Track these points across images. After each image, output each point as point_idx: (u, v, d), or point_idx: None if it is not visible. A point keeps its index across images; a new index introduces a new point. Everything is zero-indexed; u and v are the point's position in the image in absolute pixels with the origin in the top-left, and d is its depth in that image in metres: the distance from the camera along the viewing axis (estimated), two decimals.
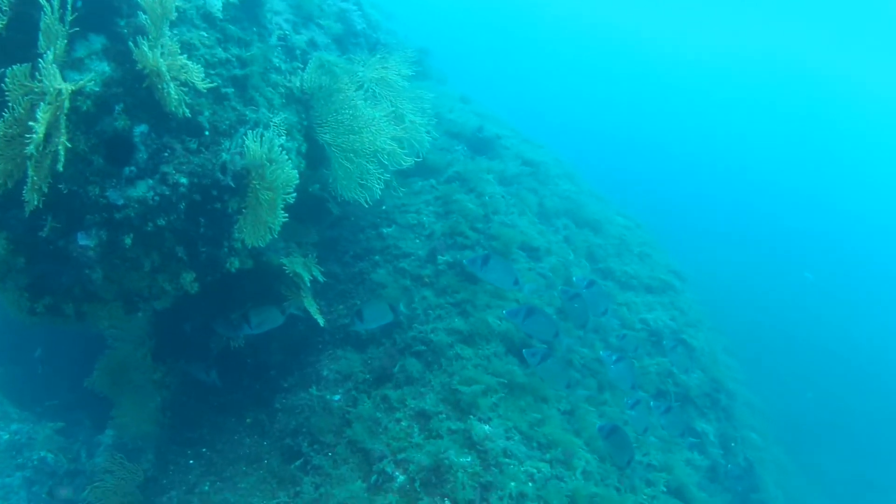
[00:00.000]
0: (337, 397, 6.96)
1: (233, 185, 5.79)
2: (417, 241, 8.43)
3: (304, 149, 6.91)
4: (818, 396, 21.53)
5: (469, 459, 6.11)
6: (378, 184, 6.83)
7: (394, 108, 7.80)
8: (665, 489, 7.69)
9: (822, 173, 41.96)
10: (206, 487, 6.72)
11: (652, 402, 7.85)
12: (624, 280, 10.01)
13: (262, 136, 5.76)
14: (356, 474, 6.27)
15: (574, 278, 8.29)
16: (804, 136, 46.54)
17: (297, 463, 6.41)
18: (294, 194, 6.00)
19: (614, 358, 7.18)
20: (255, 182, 5.88)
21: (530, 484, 6.17)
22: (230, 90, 6.06)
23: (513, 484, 6.04)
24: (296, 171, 6.08)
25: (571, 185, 11.06)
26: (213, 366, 7.11)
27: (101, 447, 9.09)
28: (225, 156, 5.76)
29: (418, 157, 8.34)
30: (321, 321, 6.76)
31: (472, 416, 6.49)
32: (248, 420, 7.28)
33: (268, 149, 5.83)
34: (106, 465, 7.36)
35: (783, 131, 47.06)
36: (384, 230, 8.60)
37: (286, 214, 5.99)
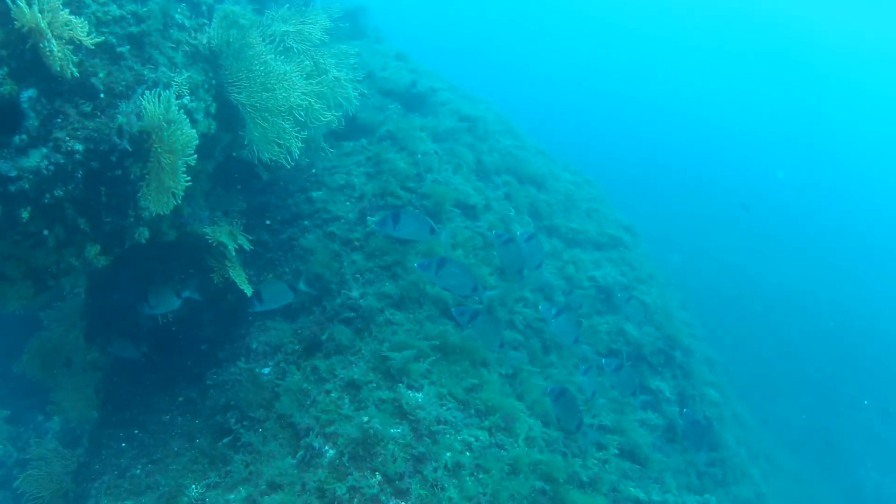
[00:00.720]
0: (266, 370, 6.53)
1: (130, 149, 5.22)
2: (348, 203, 7.83)
3: (213, 109, 6.31)
4: (780, 349, 21.57)
5: (400, 430, 5.60)
6: (296, 142, 6.35)
7: (314, 64, 7.18)
8: (617, 451, 7.29)
9: (788, 123, 41.84)
10: (138, 471, 6.20)
11: (603, 361, 7.41)
12: (570, 237, 9.54)
13: (159, 95, 5.15)
14: (286, 450, 5.78)
15: (517, 233, 7.78)
16: (767, 83, 46.15)
17: (227, 440, 6.04)
18: (195, 156, 5.42)
19: (554, 311, 6.70)
20: (155, 146, 5.33)
21: (468, 453, 5.69)
22: (126, 48, 5.44)
23: (448, 454, 5.55)
24: (194, 130, 5.46)
25: (513, 141, 10.51)
26: (143, 342, 6.75)
27: (48, 434, 8.61)
28: (121, 118, 5.15)
29: (349, 116, 7.87)
30: (249, 291, 6.30)
31: (402, 384, 5.98)
32: (180, 398, 6.78)
33: (165, 109, 5.23)
34: (40, 452, 7.15)
35: (747, 83, 46.55)
36: (313, 194, 7.99)
37: (189, 178, 5.43)
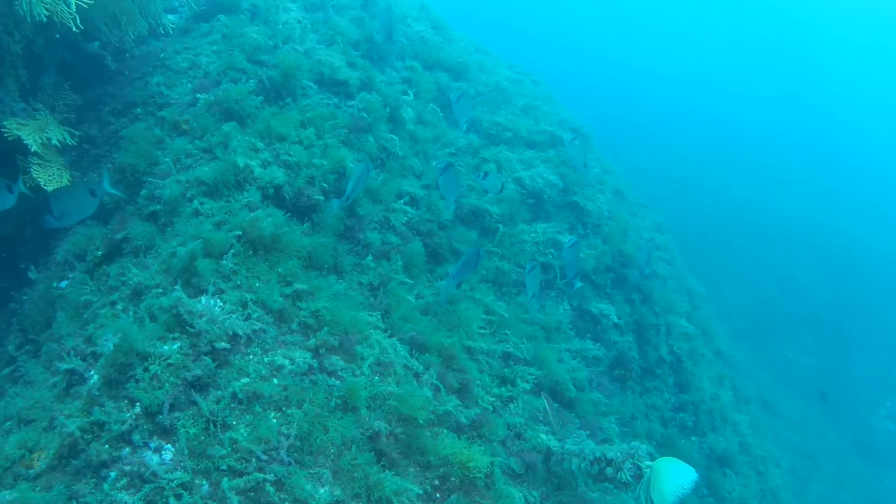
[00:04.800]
0: (64, 283, 5.14)
1: None
2: (189, 85, 6.13)
3: None
4: (786, 288, 19.69)
5: (176, 346, 3.91)
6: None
7: None
8: (530, 387, 5.55)
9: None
10: None
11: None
12: (494, 133, 7.70)
13: None
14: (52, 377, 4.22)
15: (435, 164, 6.06)
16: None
17: (6, 371, 4.83)
18: None
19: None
20: None
21: (275, 381, 3.99)
22: None
23: (243, 381, 3.90)
24: None
25: (430, 28, 8.60)
26: None
27: None
28: None
29: None
30: None
31: (190, 287, 4.27)
32: None
33: None
34: None
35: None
36: (152, 79, 6.32)
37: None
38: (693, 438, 8.37)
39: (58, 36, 5.97)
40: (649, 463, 4.53)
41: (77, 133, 5.56)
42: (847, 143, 29.31)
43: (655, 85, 29.60)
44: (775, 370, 16.65)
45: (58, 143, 5.31)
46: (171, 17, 7.08)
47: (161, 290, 4.32)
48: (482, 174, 6.00)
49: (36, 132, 5.39)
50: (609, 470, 4.64)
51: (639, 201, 10.95)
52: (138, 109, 6.10)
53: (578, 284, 6.47)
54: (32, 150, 5.27)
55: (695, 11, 40.18)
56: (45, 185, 5.27)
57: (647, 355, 8.00)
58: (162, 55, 6.61)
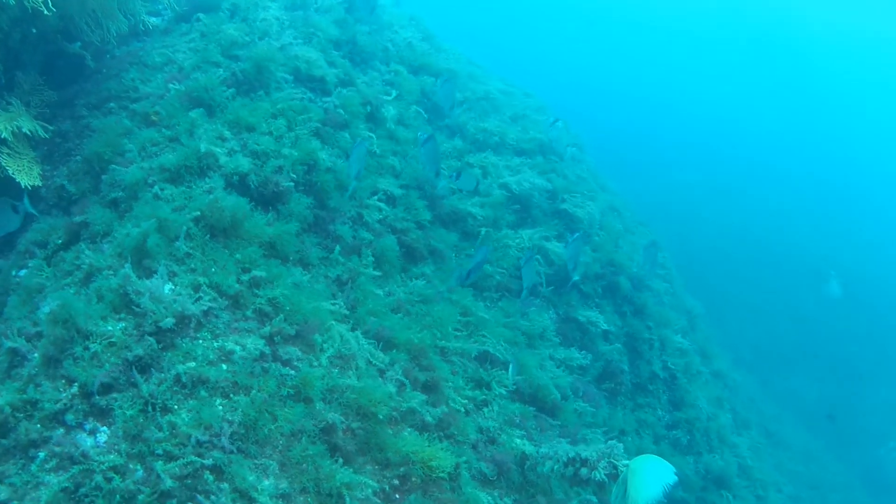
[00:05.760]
0: (23, 272, 4.97)
1: None
2: (163, 80, 6.04)
3: None
4: (792, 316, 19.26)
5: (121, 326, 3.71)
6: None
7: None
8: (507, 391, 5.27)
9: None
10: None
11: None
12: (481, 139, 7.54)
13: None
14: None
15: (420, 134, 5.94)
16: None
17: None
18: None
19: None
20: None
21: (224, 366, 3.76)
22: None
23: (190, 364, 3.69)
24: None
25: (420, 37, 8.50)
26: None
27: None
28: None
29: None
30: (25, 182, 5.05)
31: (141, 269, 4.08)
32: None
33: None
34: None
35: None
36: (128, 74, 6.25)
37: None
38: (688, 459, 8.01)
39: (35, 31, 5.97)
40: (626, 462, 4.24)
41: (51, 127, 5.50)
42: (855, 172, 29.04)
43: (656, 115, 29.52)
44: (781, 401, 16.18)
45: (28, 133, 5.24)
46: (154, 19, 7.04)
47: (112, 273, 4.13)
48: (455, 173, 5.84)
49: (6, 121, 5.33)
50: (584, 471, 4.36)
51: (636, 219, 10.72)
52: (112, 104, 6.00)
53: (576, 277, 6.24)
54: (2, 136, 5.19)
55: (694, 42, 40.35)
56: (13, 174, 5.16)
57: (640, 370, 7.70)
58: (140, 53, 6.54)
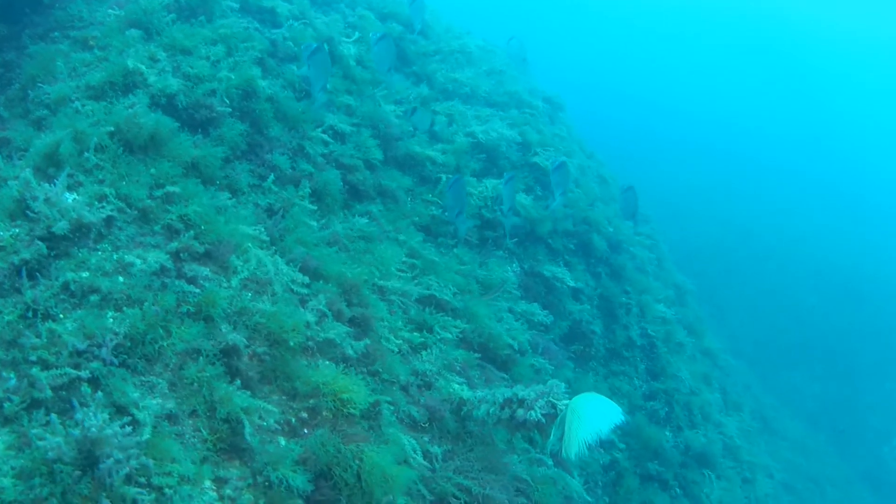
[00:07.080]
0: None
1: None
2: (109, 8, 5.76)
3: None
4: (794, 314, 18.73)
5: (13, 231, 3.50)
6: None
7: None
8: (452, 338, 4.94)
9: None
10: None
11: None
12: (450, 88, 7.21)
13: None
14: None
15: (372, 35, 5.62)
16: None
17: None
18: None
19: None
20: None
21: (119, 279, 3.49)
22: None
23: (83, 274, 3.48)
24: None
25: None
26: None
27: None
28: None
29: None
30: None
31: (46, 178, 3.81)
32: None
33: None
34: None
35: None
36: (74, 5, 5.95)
37: None
38: (666, 432, 7.62)
39: None
40: (567, 401, 3.88)
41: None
42: (857, 170, 28.37)
43: (658, 114, 28.94)
44: (781, 396, 15.70)
45: None
46: None
47: (17, 182, 3.85)
48: (410, 109, 5.51)
49: None
50: (520, 412, 4.00)
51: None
52: (56, 33, 5.73)
53: (514, 220, 5.88)
54: None
55: (699, 43, 39.77)
56: None
57: (615, 335, 7.34)
58: None
